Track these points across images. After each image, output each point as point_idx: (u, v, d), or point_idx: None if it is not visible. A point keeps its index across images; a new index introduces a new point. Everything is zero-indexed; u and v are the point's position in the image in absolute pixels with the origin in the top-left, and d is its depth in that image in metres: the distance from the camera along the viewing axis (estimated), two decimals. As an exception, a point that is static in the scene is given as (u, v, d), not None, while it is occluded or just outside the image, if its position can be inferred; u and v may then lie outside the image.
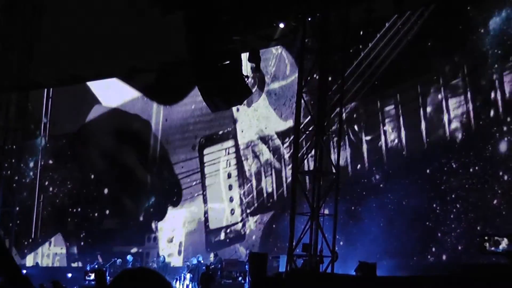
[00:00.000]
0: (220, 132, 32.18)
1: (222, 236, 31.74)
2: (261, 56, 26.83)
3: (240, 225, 31.20)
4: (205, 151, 32.47)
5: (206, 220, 32.13)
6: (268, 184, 30.41)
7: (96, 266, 30.98)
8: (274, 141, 30.34)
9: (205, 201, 32.32)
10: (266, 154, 30.45)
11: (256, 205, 30.78)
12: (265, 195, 30.58)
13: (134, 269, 4.63)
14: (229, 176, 31.85)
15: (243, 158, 31.20)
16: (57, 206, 36.40)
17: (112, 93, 35.85)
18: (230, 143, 31.85)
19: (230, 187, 31.80)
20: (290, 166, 27.96)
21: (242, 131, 31.32)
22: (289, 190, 28.49)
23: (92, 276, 29.53)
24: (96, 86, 36.36)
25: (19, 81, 31.13)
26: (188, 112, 33.48)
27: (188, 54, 22.07)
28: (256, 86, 30.38)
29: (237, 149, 31.49)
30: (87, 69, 35.48)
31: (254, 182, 30.93)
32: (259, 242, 30.23)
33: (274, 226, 29.43)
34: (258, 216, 30.72)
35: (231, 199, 31.66)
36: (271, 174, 30.24)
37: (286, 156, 29.67)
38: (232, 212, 31.52)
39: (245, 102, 28.80)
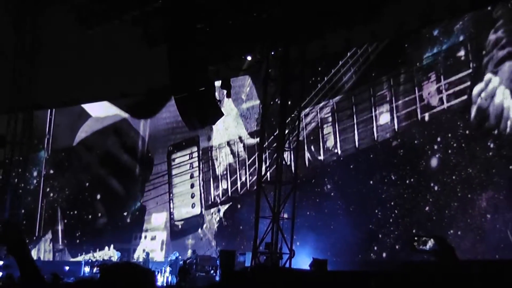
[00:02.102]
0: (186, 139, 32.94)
1: (180, 226, 32.64)
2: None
3: (198, 217, 32.06)
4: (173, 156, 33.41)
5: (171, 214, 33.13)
6: (223, 183, 31.20)
7: (90, 260, 30.92)
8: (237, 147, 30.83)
9: (171, 200, 33.19)
10: (228, 159, 30.73)
11: (213, 198, 31.74)
12: (220, 191, 31.53)
13: (121, 263, 4.73)
14: (191, 176, 32.58)
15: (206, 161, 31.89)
16: (57, 209, 36.36)
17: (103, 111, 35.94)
18: (194, 148, 32.59)
19: (192, 186, 32.49)
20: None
21: (211, 138, 31.55)
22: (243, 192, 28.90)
23: (95, 269, 29.49)
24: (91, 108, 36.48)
25: (26, 103, 31.09)
26: (162, 126, 33.78)
27: (170, 81, 22.14)
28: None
29: (199, 154, 32.54)
30: (83, 92, 35.57)
31: (211, 180, 31.84)
32: (215, 231, 31.26)
33: (241, 227, 29.51)
34: (215, 208, 31.57)
35: (192, 195, 32.36)
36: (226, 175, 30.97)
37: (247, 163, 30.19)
38: (193, 206, 32.25)
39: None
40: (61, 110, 37.08)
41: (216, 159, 31.58)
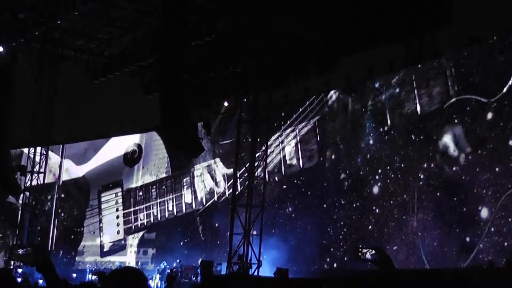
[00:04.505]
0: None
1: (110, 247, 34.55)
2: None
3: (122, 241, 34.13)
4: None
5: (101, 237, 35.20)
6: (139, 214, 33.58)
7: (94, 269, 30.75)
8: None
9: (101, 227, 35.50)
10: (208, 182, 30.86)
11: (133, 227, 34.07)
12: (139, 222, 33.82)
13: (123, 267, 4.82)
14: (117, 210, 34.89)
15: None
16: (67, 226, 36.20)
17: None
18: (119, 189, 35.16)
19: (117, 217, 34.68)
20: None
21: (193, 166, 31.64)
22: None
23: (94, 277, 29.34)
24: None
25: (43, 139, 31.02)
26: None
27: (161, 123, 22.18)
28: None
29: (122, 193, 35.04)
30: (91, 131, 35.68)
31: (132, 213, 34.21)
32: (135, 250, 33.36)
33: (218, 242, 29.48)
34: (134, 234, 33.87)
35: (118, 224, 34.57)
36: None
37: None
38: (118, 232, 34.41)
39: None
40: (71, 145, 37.05)
41: (197, 183, 31.67)
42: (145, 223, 33.42)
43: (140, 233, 33.50)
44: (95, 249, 34.93)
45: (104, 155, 35.70)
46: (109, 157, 35.43)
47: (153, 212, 33.10)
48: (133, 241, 33.63)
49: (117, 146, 35.41)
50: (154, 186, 33.26)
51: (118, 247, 34.09)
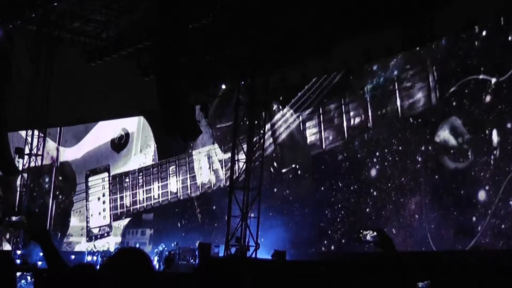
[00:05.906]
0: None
1: (96, 231, 34.60)
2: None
3: (107, 226, 34.18)
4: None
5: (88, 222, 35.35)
6: (125, 201, 33.62)
7: (92, 250, 30.81)
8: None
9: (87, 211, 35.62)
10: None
11: (119, 213, 33.89)
12: (125, 208, 33.63)
13: (128, 247, 4.73)
14: (103, 195, 34.74)
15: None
16: (64, 209, 36.14)
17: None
18: (106, 174, 35.00)
19: (104, 202, 34.60)
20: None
21: (191, 150, 31.44)
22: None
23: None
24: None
25: (40, 121, 30.96)
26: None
27: (159, 105, 22.11)
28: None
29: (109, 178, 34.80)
30: (88, 113, 35.49)
31: (118, 199, 34.04)
32: (120, 236, 33.27)
33: (215, 224, 29.41)
34: (119, 221, 33.69)
35: (104, 210, 34.49)
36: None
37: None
38: (104, 217, 34.35)
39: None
40: (69, 128, 36.90)
41: (195, 167, 31.50)
42: (131, 210, 33.25)
43: (126, 220, 33.35)
44: (81, 233, 34.92)
45: (92, 139, 35.57)
46: (97, 141, 35.30)
47: (139, 199, 32.92)
48: (119, 226, 33.53)
49: (105, 130, 35.24)
50: (141, 173, 33.09)
51: (105, 232, 34.04)
